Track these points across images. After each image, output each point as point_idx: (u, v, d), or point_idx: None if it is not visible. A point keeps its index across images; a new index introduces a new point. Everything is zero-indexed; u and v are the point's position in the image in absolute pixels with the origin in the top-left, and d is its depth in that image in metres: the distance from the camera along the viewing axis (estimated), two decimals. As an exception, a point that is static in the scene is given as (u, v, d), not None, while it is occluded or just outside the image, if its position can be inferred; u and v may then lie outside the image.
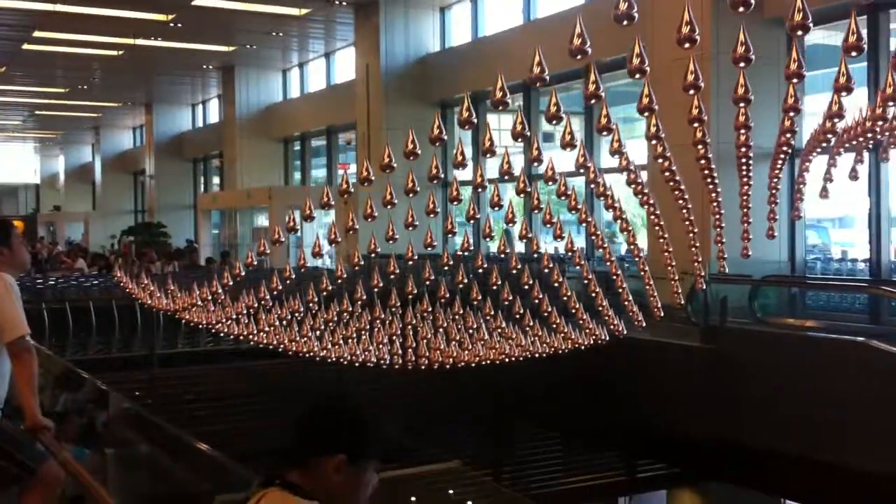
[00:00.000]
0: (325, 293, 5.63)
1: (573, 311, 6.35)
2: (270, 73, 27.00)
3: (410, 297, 5.88)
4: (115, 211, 37.83)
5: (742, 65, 2.91)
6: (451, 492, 8.65)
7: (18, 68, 26.30)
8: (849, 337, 8.53)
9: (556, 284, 5.74)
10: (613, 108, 19.03)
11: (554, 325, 6.82)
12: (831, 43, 13.21)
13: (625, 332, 7.01)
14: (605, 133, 3.98)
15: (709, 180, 5.04)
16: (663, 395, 8.62)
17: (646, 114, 3.70)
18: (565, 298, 6.05)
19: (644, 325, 6.75)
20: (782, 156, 4.66)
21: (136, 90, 30.91)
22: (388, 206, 4.00)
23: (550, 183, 4.16)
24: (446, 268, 5.00)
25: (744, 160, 4.39)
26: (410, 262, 5.03)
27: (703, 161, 4.51)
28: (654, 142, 4.03)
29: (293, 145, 27.06)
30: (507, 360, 7.26)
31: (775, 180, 5.35)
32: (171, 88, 30.93)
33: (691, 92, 3.28)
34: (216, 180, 32.47)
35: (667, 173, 4.76)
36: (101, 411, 6.39)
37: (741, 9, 2.59)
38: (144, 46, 22.91)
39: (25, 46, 23.16)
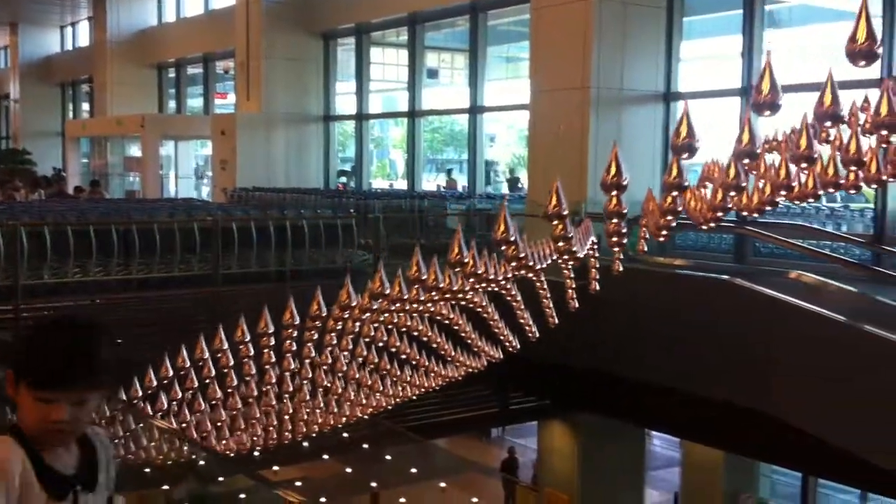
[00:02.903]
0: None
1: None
2: (145, -6, 25.89)
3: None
4: (-24, 136, 35.94)
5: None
6: (328, 424, 8.69)
7: None
8: (714, 275, 8.89)
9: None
10: (497, 48, 18.99)
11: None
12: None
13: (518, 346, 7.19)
14: (503, 247, 3.86)
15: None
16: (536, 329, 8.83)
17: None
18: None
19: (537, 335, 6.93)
20: (664, 233, 4.40)
21: (0, 9, 29.17)
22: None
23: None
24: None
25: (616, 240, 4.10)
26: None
27: (565, 256, 4.37)
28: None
29: (168, 72, 26.12)
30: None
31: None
32: (39, 8, 29.34)
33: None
34: (86, 106, 31.19)
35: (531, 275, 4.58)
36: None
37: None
38: (7, -40, 21.58)
39: None
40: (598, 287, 5.95)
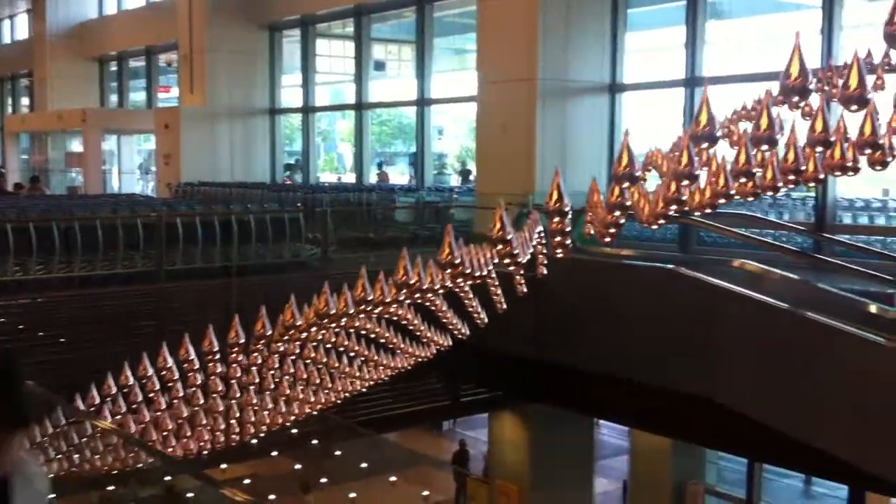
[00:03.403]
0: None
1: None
2: (84, -14, 25.39)
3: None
4: (-90, 131, 34.96)
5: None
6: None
7: None
8: (659, 264, 8.97)
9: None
10: (444, 39, 18.95)
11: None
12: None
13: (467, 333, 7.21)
14: (448, 270, 3.90)
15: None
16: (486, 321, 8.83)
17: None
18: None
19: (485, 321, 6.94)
20: (608, 238, 4.48)
21: (-67, 0, 28.46)
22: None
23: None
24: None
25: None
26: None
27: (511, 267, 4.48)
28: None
29: (109, 65, 25.65)
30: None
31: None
32: (-27, 0, 28.68)
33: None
34: (25, 101, 30.54)
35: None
36: None
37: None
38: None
39: None
40: (545, 271, 5.97)
